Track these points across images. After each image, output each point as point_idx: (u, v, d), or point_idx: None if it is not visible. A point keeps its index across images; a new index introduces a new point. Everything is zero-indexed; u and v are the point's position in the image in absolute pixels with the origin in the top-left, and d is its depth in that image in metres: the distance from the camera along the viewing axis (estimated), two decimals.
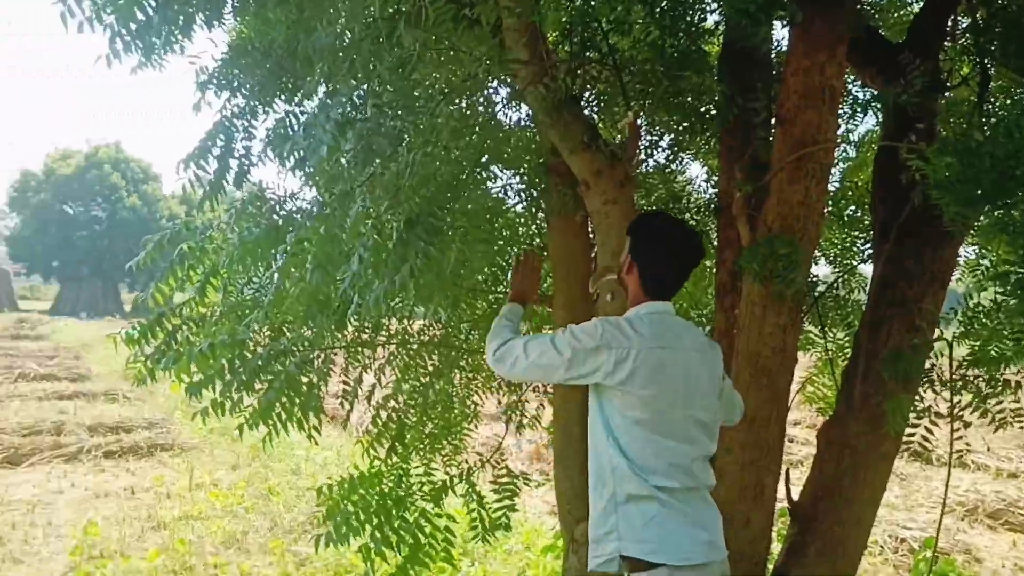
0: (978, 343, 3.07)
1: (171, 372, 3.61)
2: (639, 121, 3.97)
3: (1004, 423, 3.12)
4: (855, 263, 4.31)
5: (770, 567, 3.43)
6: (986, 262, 3.99)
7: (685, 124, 4.05)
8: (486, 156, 3.78)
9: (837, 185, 4.51)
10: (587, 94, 3.96)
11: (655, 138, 4.30)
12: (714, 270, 3.95)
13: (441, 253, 3.04)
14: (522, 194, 4.06)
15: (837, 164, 4.56)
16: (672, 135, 4.21)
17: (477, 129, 3.55)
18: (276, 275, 3.62)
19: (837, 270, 4.43)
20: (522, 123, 4.08)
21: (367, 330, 4.20)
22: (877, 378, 3.28)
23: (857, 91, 4.52)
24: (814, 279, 3.95)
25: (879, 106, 3.66)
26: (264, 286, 4.00)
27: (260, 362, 3.68)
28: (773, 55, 3.88)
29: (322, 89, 3.54)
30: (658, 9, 3.46)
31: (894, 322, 3.30)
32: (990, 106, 3.63)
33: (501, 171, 4.08)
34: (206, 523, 7.57)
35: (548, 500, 8.46)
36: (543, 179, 3.72)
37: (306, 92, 3.42)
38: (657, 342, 2.54)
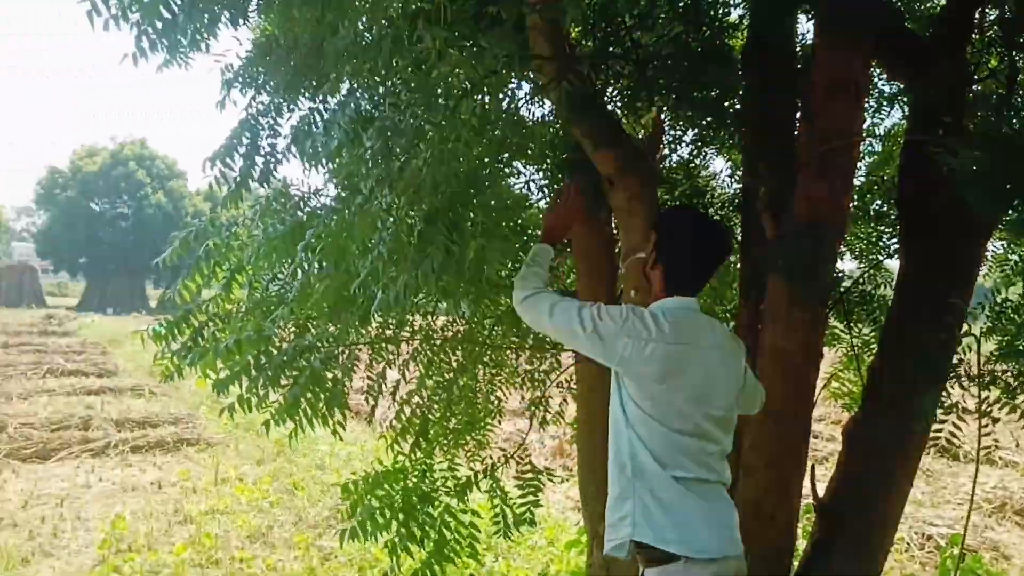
0: (1006, 338, 3.05)
1: (197, 368, 3.64)
2: (662, 116, 3.96)
3: None
4: (881, 258, 4.28)
5: (795, 564, 3.41)
6: (1015, 257, 3.97)
7: (709, 119, 4.03)
8: (509, 152, 3.78)
9: (863, 179, 4.48)
10: (610, 90, 3.95)
11: (679, 133, 4.28)
12: (738, 265, 3.93)
13: (461, 249, 3.04)
14: (545, 190, 4.06)
15: (863, 158, 4.53)
16: (696, 130, 4.20)
17: (499, 125, 3.55)
18: (298, 271, 3.65)
19: (863, 265, 4.40)
20: (545, 119, 4.07)
21: (391, 326, 4.21)
22: (904, 374, 3.25)
23: (883, 85, 4.49)
24: (840, 274, 3.92)
25: (905, 100, 3.63)
26: (288, 282, 4.02)
27: (285, 358, 3.69)
28: (798, 49, 3.85)
29: (344, 87, 3.55)
30: (681, 4, 3.45)
31: (921, 317, 3.27)
32: (1019, 99, 3.59)
33: (524, 167, 4.09)
34: (232, 517, 7.62)
35: (571, 496, 8.46)
36: (566, 175, 3.72)
37: (328, 89, 3.42)
38: (677, 338, 2.52)
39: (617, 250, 3.78)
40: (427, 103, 3.05)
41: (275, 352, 3.73)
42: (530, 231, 4.29)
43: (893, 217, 4.18)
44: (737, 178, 4.62)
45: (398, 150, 3.01)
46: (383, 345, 4.26)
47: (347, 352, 3.96)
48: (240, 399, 3.66)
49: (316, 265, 3.49)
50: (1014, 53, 3.51)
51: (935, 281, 3.27)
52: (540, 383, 4.76)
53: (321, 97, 3.65)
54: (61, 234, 52.11)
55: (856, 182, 3.67)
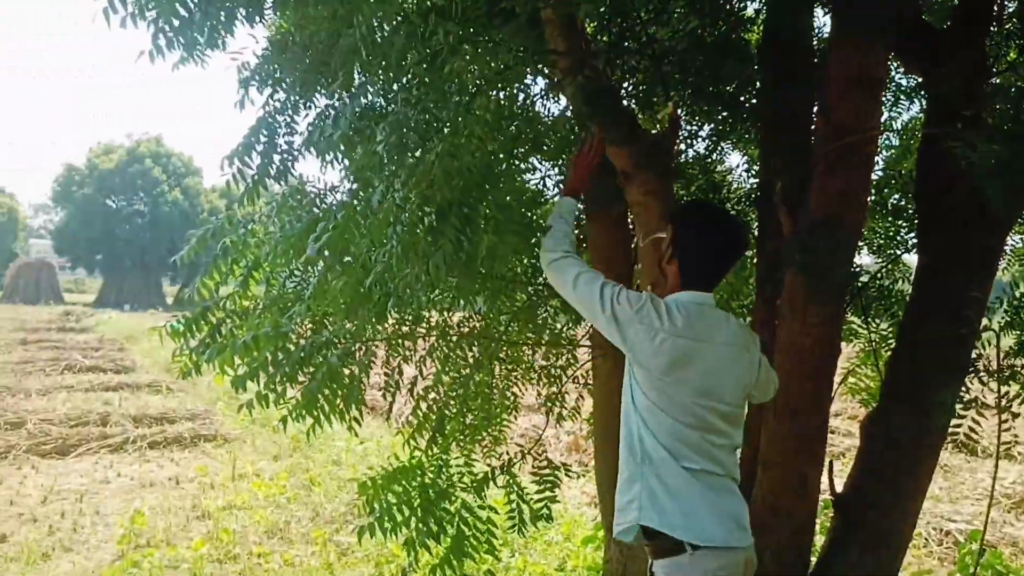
0: None
1: (215, 365, 3.66)
2: (678, 111, 3.95)
3: None
4: (899, 253, 4.25)
5: (813, 559, 3.40)
6: None
7: (725, 114, 4.02)
8: (524, 147, 3.78)
9: (880, 174, 4.46)
10: (626, 85, 3.94)
11: (695, 128, 4.27)
12: (755, 260, 3.92)
13: (472, 243, 3.04)
14: (561, 185, 4.06)
15: (880, 152, 4.50)
16: (712, 125, 4.18)
17: (514, 120, 3.54)
18: (312, 267, 3.67)
19: (880, 260, 4.38)
20: (561, 114, 4.07)
21: (407, 322, 4.22)
22: (922, 369, 3.23)
23: (900, 78, 4.46)
24: (857, 269, 3.90)
25: (923, 93, 3.61)
26: (305, 279, 4.03)
27: (303, 354, 3.70)
28: (814, 43, 3.84)
29: (357, 82, 3.55)
30: None
31: (940, 312, 3.24)
32: None
33: (540, 162, 4.08)
34: (249, 513, 7.65)
35: (587, 491, 8.45)
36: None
37: (341, 85, 3.42)
38: (688, 332, 2.53)
39: (633, 246, 3.78)
40: (440, 98, 3.05)
41: (292, 348, 3.74)
42: (543, 228, 4.29)
43: (911, 211, 4.16)
44: (753, 173, 4.60)
45: (412, 144, 3.01)
46: (399, 341, 4.26)
47: (364, 348, 3.97)
48: (258, 395, 3.67)
49: (322, 259, 3.50)
50: None
51: (954, 275, 3.24)
52: (556, 379, 4.76)
53: (337, 94, 3.65)
54: (78, 231, 52.49)
55: (873, 176, 3.65)
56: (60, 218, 58.14)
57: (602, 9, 3.77)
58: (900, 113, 4.58)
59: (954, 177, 3.05)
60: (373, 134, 3.10)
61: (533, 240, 4.01)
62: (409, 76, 3.14)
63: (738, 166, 4.76)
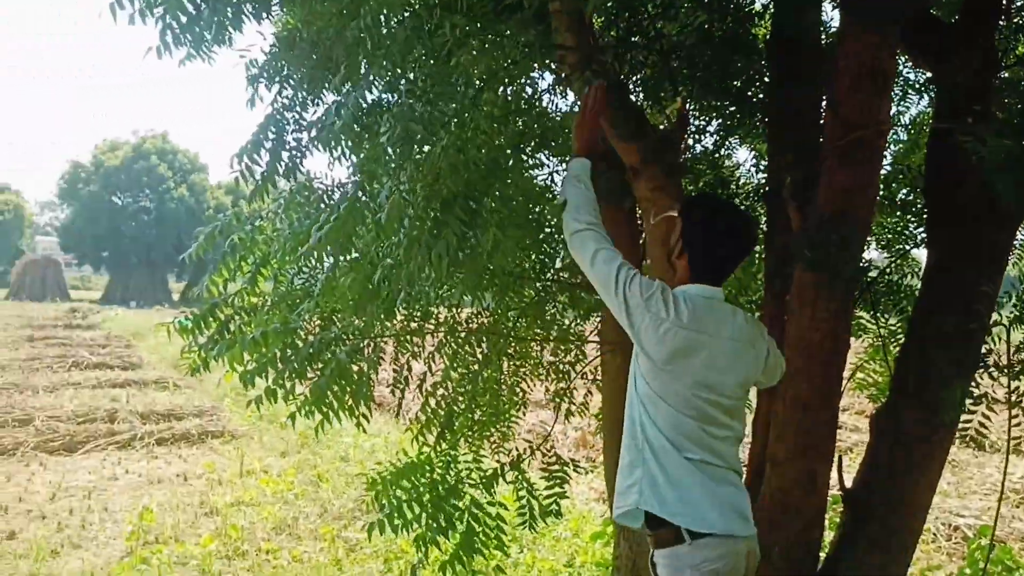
0: None
1: (225, 361, 3.66)
2: (687, 106, 3.94)
3: None
4: (908, 247, 4.24)
5: (822, 555, 3.40)
6: None
7: (733, 109, 4.01)
8: (531, 143, 3.77)
9: (889, 168, 4.44)
10: (634, 80, 3.94)
11: (702, 123, 4.26)
12: (763, 255, 3.91)
13: (476, 236, 3.05)
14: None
15: (889, 147, 4.49)
16: (720, 120, 4.17)
17: (522, 116, 3.54)
18: (319, 263, 3.67)
19: (888, 256, 4.37)
20: (569, 110, 4.06)
21: (416, 319, 4.22)
22: (931, 364, 3.22)
23: (908, 72, 4.45)
24: (866, 263, 3.89)
25: (931, 88, 3.60)
26: (314, 276, 4.03)
27: (312, 351, 3.71)
28: (823, 37, 3.82)
29: (362, 72, 3.54)
30: None
31: (949, 307, 3.23)
32: None
33: (548, 158, 4.08)
34: (257, 509, 7.67)
35: (595, 487, 8.46)
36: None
37: (343, 78, 3.40)
38: (692, 324, 2.55)
39: (641, 241, 3.77)
40: (446, 91, 3.04)
41: (301, 345, 3.75)
42: (550, 224, 4.29)
43: (919, 206, 4.14)
44: (761, 168, 4.59)
45: (417, 137, 3.02)
46: (408, 338, 4.26)
47: (372, 345, 3.97)
48: (267, 391, 3.68)
49: (325, 252, 3.51)
50: None
51: (963, 270, 3.23)
52: (565, 375, 4.75)
53: (341, 88, 3.65)
54: (84, 228, 52.58)
55: (882, 171, 3.64)
56: (66, 215, 58.28)
57: (609, 4, 3.76)
58: (908, 107, 4.57)
59: (963, 172, 3.04)
60: (378, 127, 3.10)
61: (541, 236, 4.02)
62: (415, 67, 3.14)
63: (745, 161, 4.75)
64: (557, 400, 4.77)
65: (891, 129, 4.19)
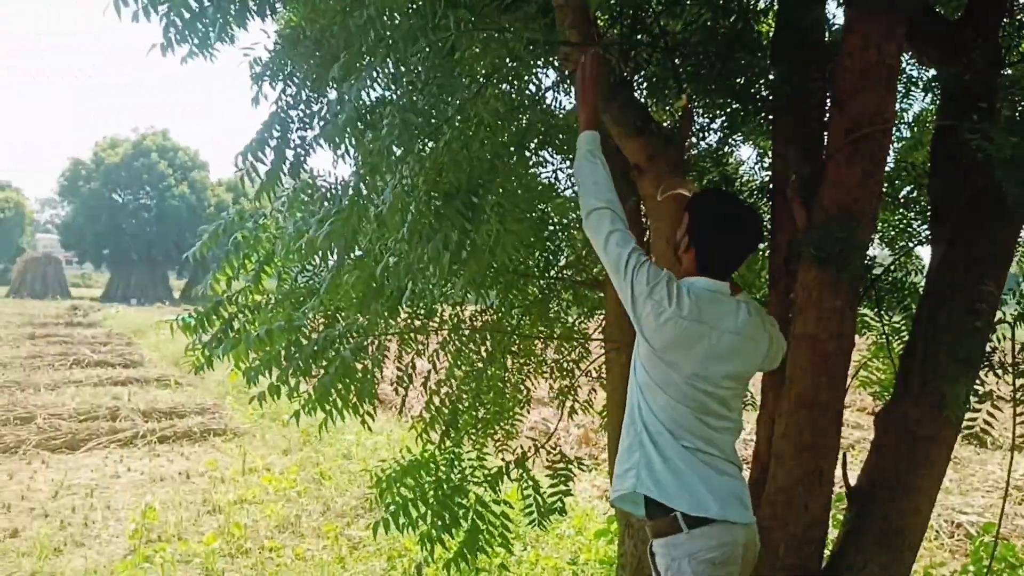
0: None
1: (229, 359, 3.67)
2: (691, 104, 3.94)
3: None
4: (912, 244, 4.24)
5: (827, 551, 3.40)
6: None
7: (737, 106, 4.00)
8: (535, 139, 3.77)
9: (892, 165, 4.44)
10: (638, 77, 3.93)
11: (706, 120, 4.26)
12: (767, 253, 3.91)
13: (477, 230, 3.05)
14: (573, 179, 4.04)
15: (892, 143, 4.48)
16: (724, 117, 4.17)
17: (525, 111, 3.54)
18: (324, 261, 3.67)
19: (892, 253, 4.36)
20: (573, 106, 4.05)
21: (420, 316, 4.22)
22: (936, 362, 3.22)
23: (911, 69, 4.44)
24: (870, 261, 3.89)
25: (935, 84, 3.59)
26: (318, 274, 4.04)
27: (316, 348, 3.71)
28: (827, 34, 3.82)
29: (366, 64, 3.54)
30: None
31: (953, 305, 3.23)
32: None
33: (552, 156, 4.07)
34: (260, 507, 7.67)
35: (598, 484, 8.46)
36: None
37: (343, 65, 3.39)
38: (693, 316, 2.56)
39: (646, 238, 3.77)
40: (449, 83, 3.04)
41: (305, 342, 3.75)
42: (553, 222, 4.29)
43: (923, 203, 4.14)
44: (764, 165, 4.59)
45: (418, 131, 3.02)
46: (412, 336, 4.27)
47: (376, 343, 3.97)
48: (271, 387, 3.68)
49: (328, 250, 3.51)
50: None
51: (967, 268, 3.23)
52: (569, 373, 4.75)
53: (349, 83, 3.65)
54: (85, 225, 52.50)
55: (885, 168, 3.63)
56: (67, 213, 58.23)
57: (613, 0, 3.76)
58: (911, 104, 4.56)
59: (968, 169, 3.04)
60: (382, 121, 3.10)
61: (545, 233, 4.02)
62: (418, 61, 3.13)
63: (749, 158, 4.74)
64: (561, 398, 4.77)
65: (894, 126, 4.19)
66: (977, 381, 3.23)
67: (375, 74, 3.16)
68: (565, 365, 4.75)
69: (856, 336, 3.49)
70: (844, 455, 3.40)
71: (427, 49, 2.98)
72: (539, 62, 3.65)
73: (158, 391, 14.29)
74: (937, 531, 7.21)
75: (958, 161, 3.10)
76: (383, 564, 6.14)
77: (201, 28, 3.46)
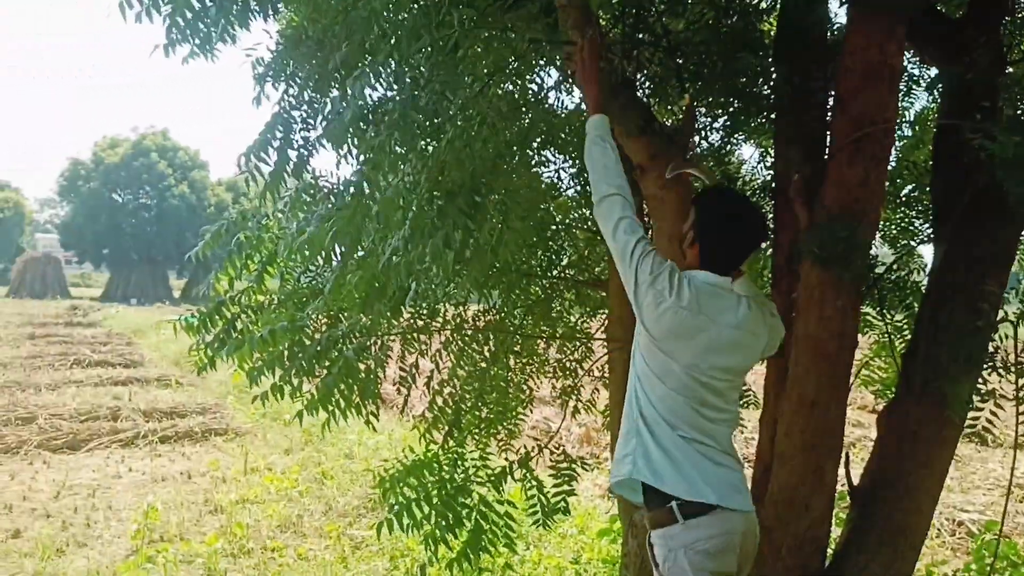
0: None
1: (233, 359, 3.67)
2: (694, 103, 3.94)
3: None
4: (914, 244, 4.24)
5: (830, 551, 3.40)
6: None
7: (739, 105, 4.01)
8: (537, 139, 3.77)
9: (894, 164, 4.43)
10: (640, 77, 3.93)
11: (709, 120, 4.26)
12: (769, 252, 3.91)
13: (480, 229, 3.05)
14: (575, 179, 4.05)
15: (894, 143, 4.48)
16: (726, 117, 4.17)
17: (527, 111, 3.54)
18: (330, 260, 3.67)
19: (894, 252, 4.36)
20: (576, 106, 4.06)
21: (423, 316, 4.22)
22: (938, 361, 3.22)
23: (913, 68, 4.44)
24: (872, 260, 3.89)
25: (937, 83, 3.59)
26: (321, 274, 4.04)
27: (319, 348, 3.72)
28: (830, 34, 3.82)
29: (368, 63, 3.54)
30: None
31: (956, 304, 3.23)
32: None
33: (554, 155, 4.08)
34: (262, 507, 7.67)
35: (600, 483, 8.46)
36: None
37: (343, 57, 3.38)
38: (692, 308, 2.58)
39: (648, 236, 3.77)
40: (451, 80, 3.05)
41: (308, 343, 3.75)
42: (555, 221, 4.29)
43: (925, 202, 4.14)
44: (766, 164, 4.59)
45: (419, 128, 3.02)
46: (415, 336, 4.27)
47: (379, 343, 3.98)
48: (273, 387, 3.69)
49: (333, 250, 3.52)
50: None
51: (969, 268, 3.23)
52: (572, 372, 4.76)
53: (352, 78, 3.65)
54: (84, 225, 52.47)
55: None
56: (66, 212, 58.21)
57: (615, 0, 3.76)
58: (912, 103, 4.56)
59: (970, 168, 3.04)
60: (385, 120, 3.11)
61: (548, 234, 4.02)
62: (421, 56, 3.13)
63: (751, 156, 4.75)
64: (564, 398, 4.77)
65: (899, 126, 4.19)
66: (979, 380, 3.23)
67: (379, 71, 3.16)
68: (568, 365, 4.76)
69: (858, 335, 3.49)
70: (847, 454, 3.40)
71: (429, 48, 2.99)
72: (541, 61, 3.65)
73: (159, 391, 14.29)
74: (938, 529, 7.22)
75: (960, 160, 3.10)
76: (386, 564, 6.14)
77: (203, 28, 3.47)
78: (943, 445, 3.30)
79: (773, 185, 3.80)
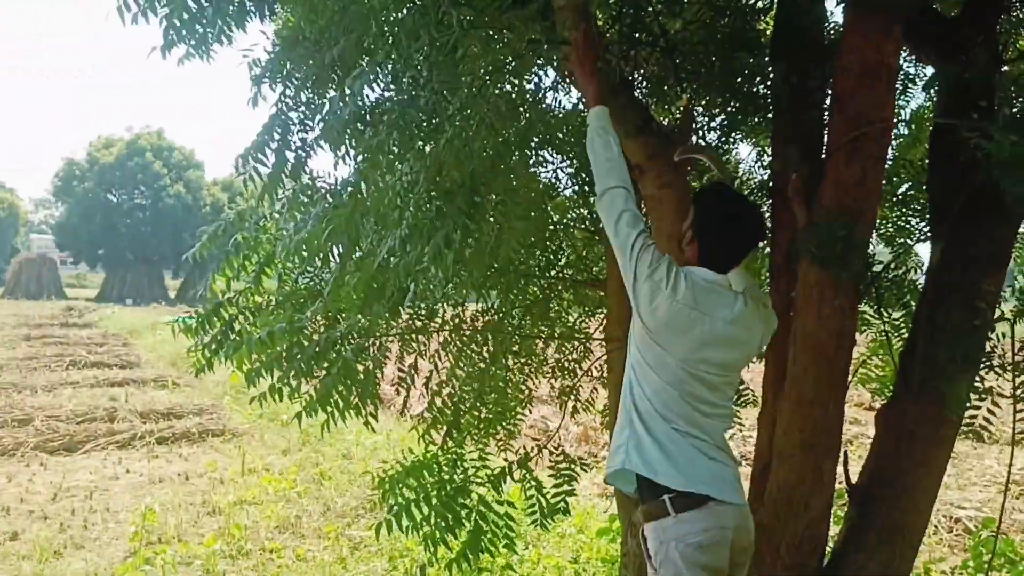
0: None
1: (231, 360, 3.67)
2: (691, 103, 3.94)
3: None
4: (911, 242, 4.24)
5: (829, 549, 3.41)
6: None
7: (737, 105, 4.01)
8: (535, 139, 3.77)
9: (890, 162, 4.43)
10: (638, 77, 3.94)
11: (706, 120, 4.26)
12: (767, 251, 3.91)
13: (479, 228, 3.05)
14: (573, 179, 4.05)
15: (891, 141, 4.48)
16: (724, 116, 4.17)
17: (525, 111, 3.54)
18: (327, 260, 3.67)
19: (891, 251, 4.36)
20: (573, 106, 4.06)
21: (421, 317, 4.22)
22: (936, 359, 3.22)
23: (909, 67, 4.44)
24: (870, 258, 3.90)
25: (933, 82, 3.60)
26: (319, 275, 4.03)
27: (317, 349, 3.72)
28: (826, 34, 3.82)
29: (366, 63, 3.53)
30: None
31: (953, 303, 3.24)
32: None
33: (552, 155, 4.08)
34: (260, 508, 7.66)
35: (598, 483, 8.45)
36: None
37: (340, 50, 3.37)
38: (688, 301, 2.61)
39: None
40: (450, 79, 3.05)
41: (307, 344, 3.75)
42: (553, 221, 4.29)
43: (921, 201, 4.15)
44: (764, 164, 4.59)
45: (417, 128, 3.02)
46: (413, 336, 4.27)
47: (378, 344, 3.98)
48: (271, 388, 3.69)
49: (331, 252, 3.52)
50: None
51: (965, 267, 3.24)
52: (571, 372, 4.76)
53: (351, 77, 3.65)
54: (79, 226, 52.38)
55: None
56: (61, 213, 58.11)
57: (613, 0, 3.76)
58: (908, 101, 4.57)
59: (966, 167, 3.04)
60: (382, 118, 3.11)
61: (546, 234, 4.02)
62: (420, 56, 3.13)
63: (749, 156, 4.75)
64: (563, 398, 4.78)
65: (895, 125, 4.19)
66: (977, 378, 3.24)
67: (377, 71, 3.16)
68: (566, 365, 4.76)
69: (856, 333, 3.50)
70: (845, 453, 3.41)
71: (427, 47, 2.99)
72: (539, 61, 3.65)
73: (155, 392, 14.28)
74: (936, 526, 7.23)
75: (956, 159, 3.10)
76: (384, 564, 6.14)
77: (199, 29, 3.47)
78: (941, 444, 3.31)
79: (771, 184, 3.80)
